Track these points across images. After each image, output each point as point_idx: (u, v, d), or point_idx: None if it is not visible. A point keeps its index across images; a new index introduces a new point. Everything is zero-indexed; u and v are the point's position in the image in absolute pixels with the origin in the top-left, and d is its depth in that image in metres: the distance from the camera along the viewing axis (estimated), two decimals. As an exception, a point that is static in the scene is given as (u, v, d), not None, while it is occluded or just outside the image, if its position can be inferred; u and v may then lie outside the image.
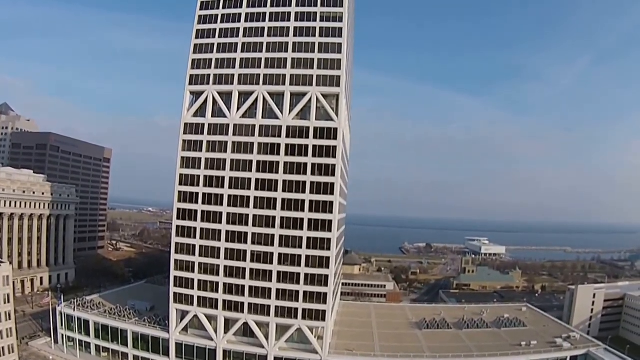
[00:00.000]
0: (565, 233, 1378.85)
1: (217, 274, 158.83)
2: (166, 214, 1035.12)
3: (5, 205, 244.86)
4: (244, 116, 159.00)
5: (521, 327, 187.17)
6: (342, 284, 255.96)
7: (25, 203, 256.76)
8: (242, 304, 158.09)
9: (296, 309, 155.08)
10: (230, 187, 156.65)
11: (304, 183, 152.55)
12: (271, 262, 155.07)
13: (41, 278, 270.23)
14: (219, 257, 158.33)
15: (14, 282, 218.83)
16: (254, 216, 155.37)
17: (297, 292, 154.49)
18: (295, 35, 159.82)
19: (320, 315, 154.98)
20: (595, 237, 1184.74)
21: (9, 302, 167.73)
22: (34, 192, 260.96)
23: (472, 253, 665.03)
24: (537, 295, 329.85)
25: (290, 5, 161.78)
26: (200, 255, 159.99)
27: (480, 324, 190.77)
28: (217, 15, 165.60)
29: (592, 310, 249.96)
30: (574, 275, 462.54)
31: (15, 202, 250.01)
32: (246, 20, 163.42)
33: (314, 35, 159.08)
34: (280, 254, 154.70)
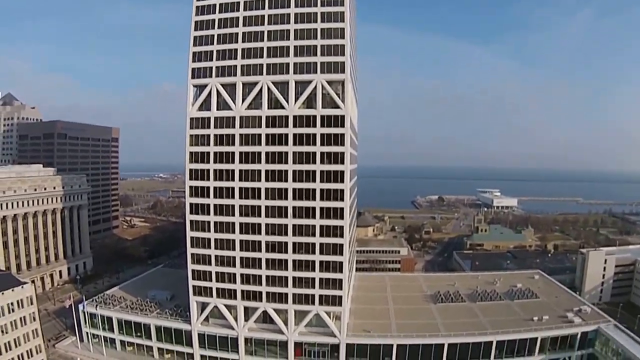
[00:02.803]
0: (576, 182, 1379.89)
1: (234, 266, 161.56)
2: (177, 178, 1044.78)
3: (18, 206, 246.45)
4: (249, 107, 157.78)
5: (533, 299, 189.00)
6: (357, 251, 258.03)
7: (38, 200, 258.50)
8: (260, 293, 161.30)
9: (313, 296, 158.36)
10: (240, 180, 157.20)
11: (314, 172, 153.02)
12: (286, 251, 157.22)
13: (60, 271, 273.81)
14: (234, 249, 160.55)
15: (33, 280, 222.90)
16: (266, 207, 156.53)
17: (313, 279, 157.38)
18: (296, 22, 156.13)
19: (337, 301, 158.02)
20: (607, 187, 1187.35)
21: (34, 320, 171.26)
22: (45, 189, 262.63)
23: (484, 205, 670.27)
24: (549, 255, 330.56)
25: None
26: (215, 247, 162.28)
27: (494, 296, 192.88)
28: (215, 5, 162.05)
29: (603, 275, 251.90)
30: (586, 230, 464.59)
31: (28, 202, 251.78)
32: (245, 9, 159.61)
33: (316, 21, 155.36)
34: (294, 243, 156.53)
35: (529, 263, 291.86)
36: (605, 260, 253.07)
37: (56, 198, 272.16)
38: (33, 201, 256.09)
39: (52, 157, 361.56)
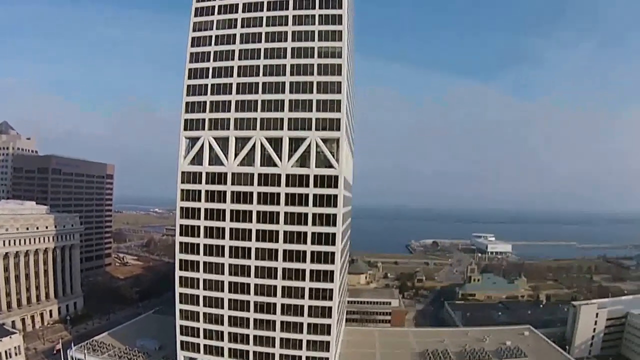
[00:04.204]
0: (572, 224, 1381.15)
1: (222, 324, 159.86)
2: (172, 215, 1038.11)
3: (10, 245, 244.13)
4: (241, 164, 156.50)
5: (522, 358, 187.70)
6: (348, 302, 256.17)
7: (30, 239, 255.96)
8: (248, 352, 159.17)
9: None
10: (231, 238, 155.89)
11: (305, 234, 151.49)
12: (274, 312, 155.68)
13: (50, 311, 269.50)
14: (222, 307, 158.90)
15: (23, 319, 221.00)
16: (256, 267, 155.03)
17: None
18: (292, 74, 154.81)
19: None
20: (602, 229, 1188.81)
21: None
22: (37, 228, 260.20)
23: (479, 251, 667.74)
24: (541, 306, 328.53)
25: (285, 41, 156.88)
26: (204, 305, 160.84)
27: (482, 355, 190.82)
28: (209, 53, 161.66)
29: (594, 329, 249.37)
30: (580, 277, 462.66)
31: (20, 240, 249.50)
32: (240, 58, 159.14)
33: (312, 74, 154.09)
34: (282, 304, 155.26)
35: (520, 315, 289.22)
36: (597, 314, 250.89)
37: (48, 237, 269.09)
38: (25, 240, 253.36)
39: (46, 192, 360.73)
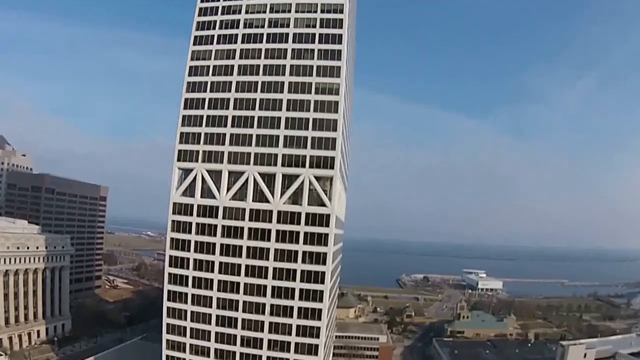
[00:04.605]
0: (563, 261, 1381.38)
1: (209, 356, 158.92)
2: (164, 239, 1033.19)
3: (0, 263, 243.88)
4: (233, 198, 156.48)
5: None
6: (335, 336, 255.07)
7: (20, 259, 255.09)
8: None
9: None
10: (220, 272, 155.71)
11: (295, 271, 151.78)
12: (261, 347, 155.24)
13: (38, 331, 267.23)
14: (209, 340, 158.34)
15: (11, 337, 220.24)
16: (244, 302, 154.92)
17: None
18: (288, 110, 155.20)
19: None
20: (593, 266, 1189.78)
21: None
22: (28, 247, 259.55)
23: (469, 287, 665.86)
24: (530, 345, 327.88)
25: (283, 75, 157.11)
26: (191, 337, 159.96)
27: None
28: (206, 83, 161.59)
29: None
30: (570, 316, 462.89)
31: (10, 259, 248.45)
32: (237, 90, 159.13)
33: (308, 110, 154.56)
34: (269, 340, 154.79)
35: (508, 353, 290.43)
36: (585, 355, 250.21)
37: (38, 258, 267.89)
38: (15, 259, 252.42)
39: (38, 210, 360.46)
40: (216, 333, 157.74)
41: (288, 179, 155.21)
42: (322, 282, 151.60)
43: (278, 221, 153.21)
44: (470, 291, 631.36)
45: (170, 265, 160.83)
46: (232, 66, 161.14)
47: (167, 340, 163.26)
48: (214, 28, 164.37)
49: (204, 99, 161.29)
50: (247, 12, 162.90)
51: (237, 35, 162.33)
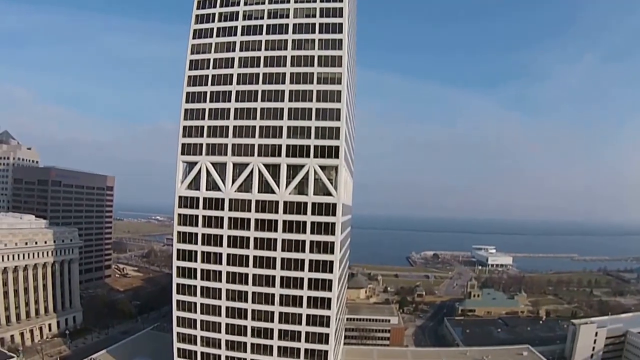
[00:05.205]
0: (572, 235, 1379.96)
1: (219, 347, 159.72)
2: (172, 222, 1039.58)
3: (8, 260, 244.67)
4: (239, 190, 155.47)
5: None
6: (347, 319, 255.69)
7: (28, 254, 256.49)
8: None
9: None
10: (228, 264, 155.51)
11: (303, 261, 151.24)
12: (272, 337, 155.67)
13: (49, 325, 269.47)
14: (220, 332, 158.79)
15: (22, 333, 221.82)
16: (253, 293, 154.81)
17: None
18: (290, 100, 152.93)
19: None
20: (603, 240, 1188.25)
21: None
22: (36, 242, 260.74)
23: (479, 263, 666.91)
24: (541, 322, 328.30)
25: (284, 66, 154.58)
26: (201, 329, 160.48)
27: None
28: (207, 76, 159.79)
29: (593, 348, 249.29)
30: (580, 291, 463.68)
31: (19, 255, 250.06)
32: (239, 83, 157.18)
33: (311, 100, 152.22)
34: (280, 330, 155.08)
35: (520, 331, 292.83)
36: (596, 333, 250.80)
37: (47, 252, 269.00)
38: (24, 255, 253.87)
39: (46, 203, 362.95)
40: (226, 324, 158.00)
41: (293, 169, 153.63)
42: (331, 271, 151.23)
43: (284, 211, 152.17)
44: (480, 267, 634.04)
45: (178, 259, 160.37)
46: (233, 59, 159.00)
47: (178, 333, 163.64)
48: (213, 21, 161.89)
49: (205, 92, 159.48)
50: (246, 3, 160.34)
51: (236, 27, 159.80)
